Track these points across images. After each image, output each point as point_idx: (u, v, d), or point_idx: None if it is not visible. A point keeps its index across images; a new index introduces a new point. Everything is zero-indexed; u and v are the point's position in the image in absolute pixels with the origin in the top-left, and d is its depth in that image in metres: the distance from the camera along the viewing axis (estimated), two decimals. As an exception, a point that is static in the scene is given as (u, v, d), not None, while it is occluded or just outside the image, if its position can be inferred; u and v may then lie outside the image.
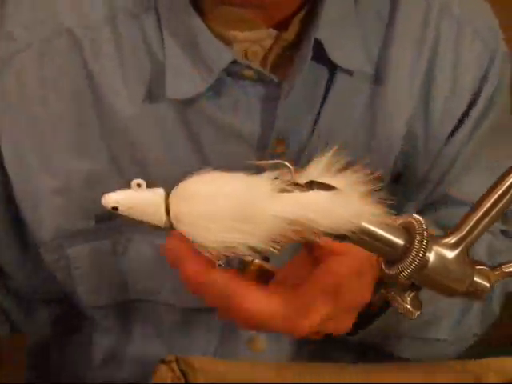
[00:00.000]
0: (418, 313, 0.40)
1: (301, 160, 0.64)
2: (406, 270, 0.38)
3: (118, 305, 0.69)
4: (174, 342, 0.71)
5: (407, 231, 0.39)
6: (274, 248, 0.35)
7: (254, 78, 0.61)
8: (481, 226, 0.39)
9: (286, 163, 0.37)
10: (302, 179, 0.37)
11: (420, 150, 0.69)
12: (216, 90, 0.61)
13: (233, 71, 0.60)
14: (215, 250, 0.35)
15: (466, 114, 0.69)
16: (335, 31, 0.62)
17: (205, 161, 0.63)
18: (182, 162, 0.63)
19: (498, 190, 0.39)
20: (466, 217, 0.40)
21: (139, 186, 0.35)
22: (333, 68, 0.64)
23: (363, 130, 0.66)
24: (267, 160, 0.61)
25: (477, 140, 0.70)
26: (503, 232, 0.74)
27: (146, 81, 0.61)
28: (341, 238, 0.37)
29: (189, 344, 0.71)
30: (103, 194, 0.36)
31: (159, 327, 0.71)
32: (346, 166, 0.37)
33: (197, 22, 0.59)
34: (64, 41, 0.61)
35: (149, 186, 0.36)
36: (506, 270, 0.41)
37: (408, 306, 0.40)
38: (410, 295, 0.40)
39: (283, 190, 0.36)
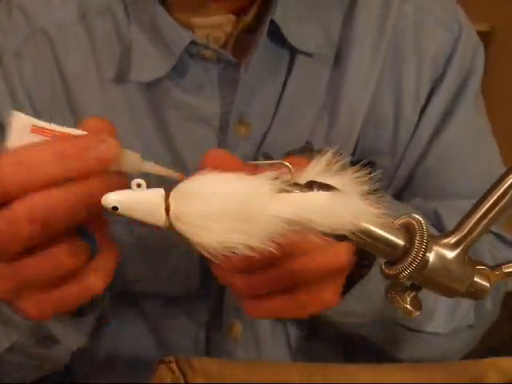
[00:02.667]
0: (418, 313, 0.40)
1: (263, 144, 0.66)
2: (406, 270, 0.38)
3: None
4: (160, 336, 0.72)
5: (407, 231, 0.39)
6: (273, 248, 0.35)
7: (214, 59, 0.63)
8: (481, 227, 0.39)
9: (286, 163, 0.37)
10: (302, 179, 0.37)
11: (388, 136, 0.69)
12: (179, 72, 0.64)
13: (193, 52, 0.63)
14: (215, 249, 0.35)
15: (428, 99, 0.69)
16: (291, 13, 0.64)
17: (169, 141, 0.66)
18: (149, 142, 0.65)
19: (498, 190, 0.39)
20: (467, 217, 0.40)
21: (139, 186, 0.35)
22: (293, 51, 0.65)
23: (326, 113, 0.67)
24: (230, 143, 0.63)
25: (451, 131, 0.70)
26: (499, 236, 0.74)
27: (115, 66, 0.65)
28: (340, 238, 0.37)
29: (174, 334, 0.71)
30: None
31: (141, 320, 0.72)
32: (346, 166, 0.37)
33: (158, 9, 0.63)
34: (39, 39, 0.66)
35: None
36: (506, 271, 0.41)
37: (408, 306, 0.40)
38: (410, 295, 0.40)
39: (283, 191, 0.36)
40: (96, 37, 0.66)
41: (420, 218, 0.39)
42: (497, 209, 0.39)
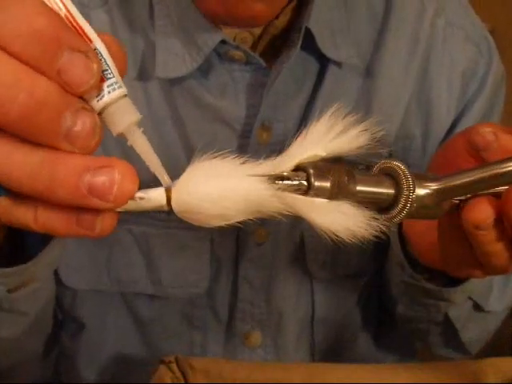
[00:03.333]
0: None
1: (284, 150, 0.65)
2: (397, 216, 0.39)
3: (97, 294, 0.69)
4: (155, 341, 0.71)
5: (391, 177, 0.39)
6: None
7: (242, 61, 0.61)
8: (464, 187, 0.41)
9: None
10: (303, 147, 0.36)
11: (417, 150, 0.69)
12: (204, 71, 0.62)
13: (222, 52, 0.61)
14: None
15: (460, 117, 0.69)
16: (325, 22, 0.63)
17: (187, 140, 0.64)
18: (167, 139, 0.64)
19: (495, 169, 0.40)
20: (456, 174, 0.41)
21: (142, 199, 0.35)
22: (323, 60, 0.64)
23: None
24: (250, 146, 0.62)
25: None
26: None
27: (138, 59, 0.63)
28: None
29: (169, 340, 0.70)
30: None
31: (137, 322, 0.70)
32: (348, 126, 0.37)
33: (188, 4, 0.60)
34: None
35: None
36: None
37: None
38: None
39: (283, 190, 0.35)
40: (117, 25, 0.63)
41: (401, 164, 0.39)
42: (485, 184, 0.41)
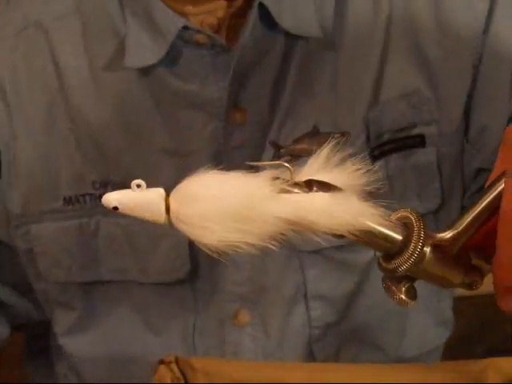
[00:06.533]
0: (413, 303, 0.41)
1: (270, 132, 0.66)
2: (403, 265, 0.38)
3: (87, 285, 0.70)
4: (151, 323, 0.72)
5: (404, 225, 0.39)
6: (273, 245, 0.36)
7: (208, 44, 0.62)
8: (477, 225, 0.40)
9: (286, 164, 0.37)
10: (302, 176, 0.37)
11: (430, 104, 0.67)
12: (173, 58, 0.63)
13: (186, 38, 0.63)
14: (216, 248, 0.35)
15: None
16: None
17: (162, 128, 0.66)
18: (141, 129, 0.66)
19: (495, 191, 0.40)
20: (462, 214, 0.40)
21: (139, 186, 0.36)
22: (288, 35, 0.64)
23: (331, 96, 0.66)
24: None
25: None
26: None
27: (109, 54, 0.65)
28: (339, 236, 0.37)
29: (166, 323, 0.71)
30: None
31: (133, 309, 0.72)
32: (345, 160, 0.37)
33: None
34: (32, 31, 0.66)
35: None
36: None
37: (403, 297, 0.40)
38: (406, 286, 0.41)
39: (283, 191, 0.36)
40: (89, 26, 0.66)
41: (417, 212, 0.39)
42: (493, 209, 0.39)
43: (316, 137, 0.63)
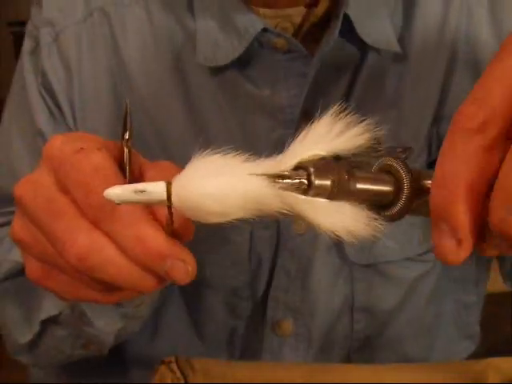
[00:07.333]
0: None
1: None
2: (398, 214, 0.38)
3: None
4: (197, 326, 0.71)
5: (391, 175, 0.38)
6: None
7: (284, 49, 0.61)
8: None
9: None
10: (302, 149, 0.37)
11: None
12: (246, 60, 0.62)
13: (264, 41, 0.61)
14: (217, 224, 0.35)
15: None
16: (364, 8, 0.61)
17: (228, 130, 0.64)
18: (206, 129, 0.64)
19: None
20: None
21: (142, 192, 0.35)
22: (363, 47, 0.63)
23: (394, 111, 0.65)
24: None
25: None
26: None
27: (177, 48, 0.64)
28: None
29: (211, 326, 0.70)
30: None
31: (178, 308, 0.70)
32: (349, 125, 0.36)
33: None
34: (96, 18, 0.65)
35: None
36: None
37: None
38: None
39: (284, 188, 0.36)
40: (154, 16, 0.64)
41: (398, 160, 0.38)
42: None
43: (376, 150, 0.63)
